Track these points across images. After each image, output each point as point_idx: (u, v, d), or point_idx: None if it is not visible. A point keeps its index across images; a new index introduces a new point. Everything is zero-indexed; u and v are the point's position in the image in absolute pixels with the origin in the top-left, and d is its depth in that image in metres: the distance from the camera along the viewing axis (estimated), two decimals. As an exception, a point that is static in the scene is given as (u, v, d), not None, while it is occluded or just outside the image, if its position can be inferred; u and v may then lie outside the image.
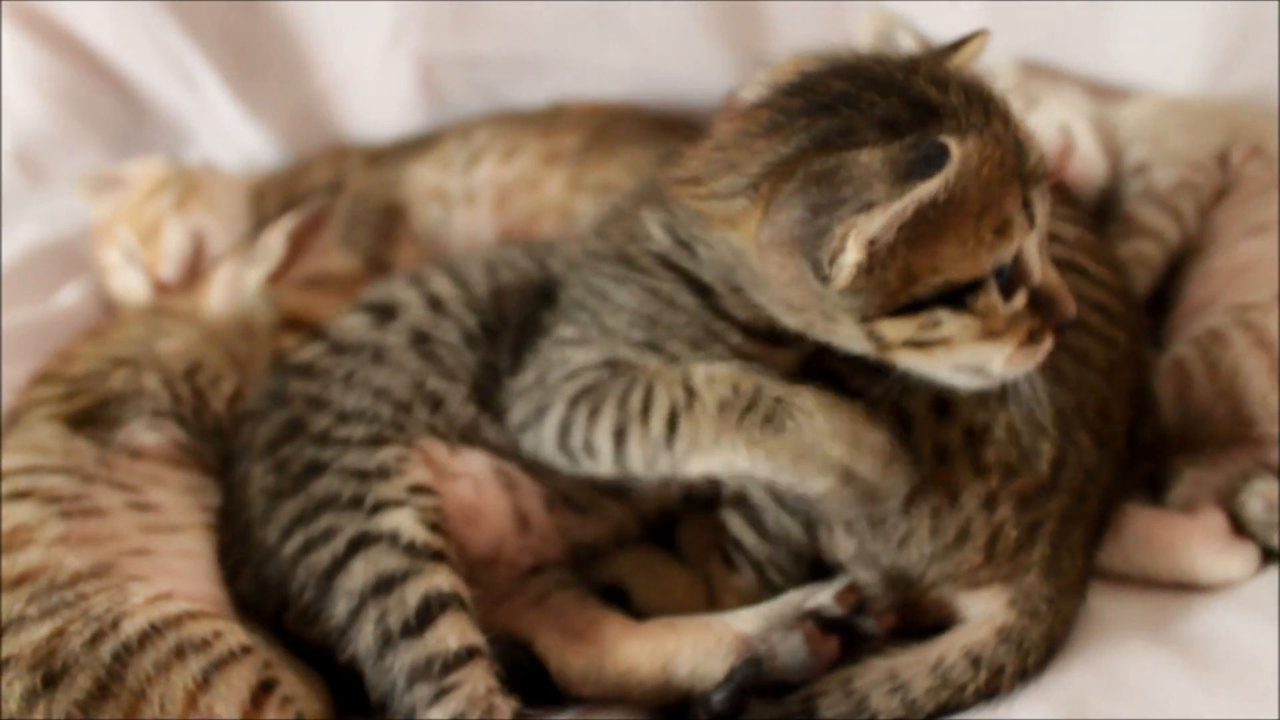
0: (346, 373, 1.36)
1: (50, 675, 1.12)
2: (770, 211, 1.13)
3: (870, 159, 1.08)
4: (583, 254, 1.34)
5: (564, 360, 1.29)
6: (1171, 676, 1.24)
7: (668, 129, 1.88)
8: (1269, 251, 1.59)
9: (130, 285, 1.88)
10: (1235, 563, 1.38)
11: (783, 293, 1.18)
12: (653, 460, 1.23)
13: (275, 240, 1.69)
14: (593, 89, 2.01)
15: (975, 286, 1.13)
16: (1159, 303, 1.68)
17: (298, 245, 1.71)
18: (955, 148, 1.05)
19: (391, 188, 1.95)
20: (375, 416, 1.33)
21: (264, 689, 1.17)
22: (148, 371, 1.51)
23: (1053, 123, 1.79)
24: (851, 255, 1.09)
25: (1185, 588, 1.38)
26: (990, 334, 1.15)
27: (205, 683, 1.14)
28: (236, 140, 2.15)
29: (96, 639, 1.15)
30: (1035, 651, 1.26)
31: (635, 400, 1.23)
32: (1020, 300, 1.16)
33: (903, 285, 1.12)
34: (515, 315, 1.37)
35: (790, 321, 1.20)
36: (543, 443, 1.30)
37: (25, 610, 1.17)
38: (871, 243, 1.08)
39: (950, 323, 1.14)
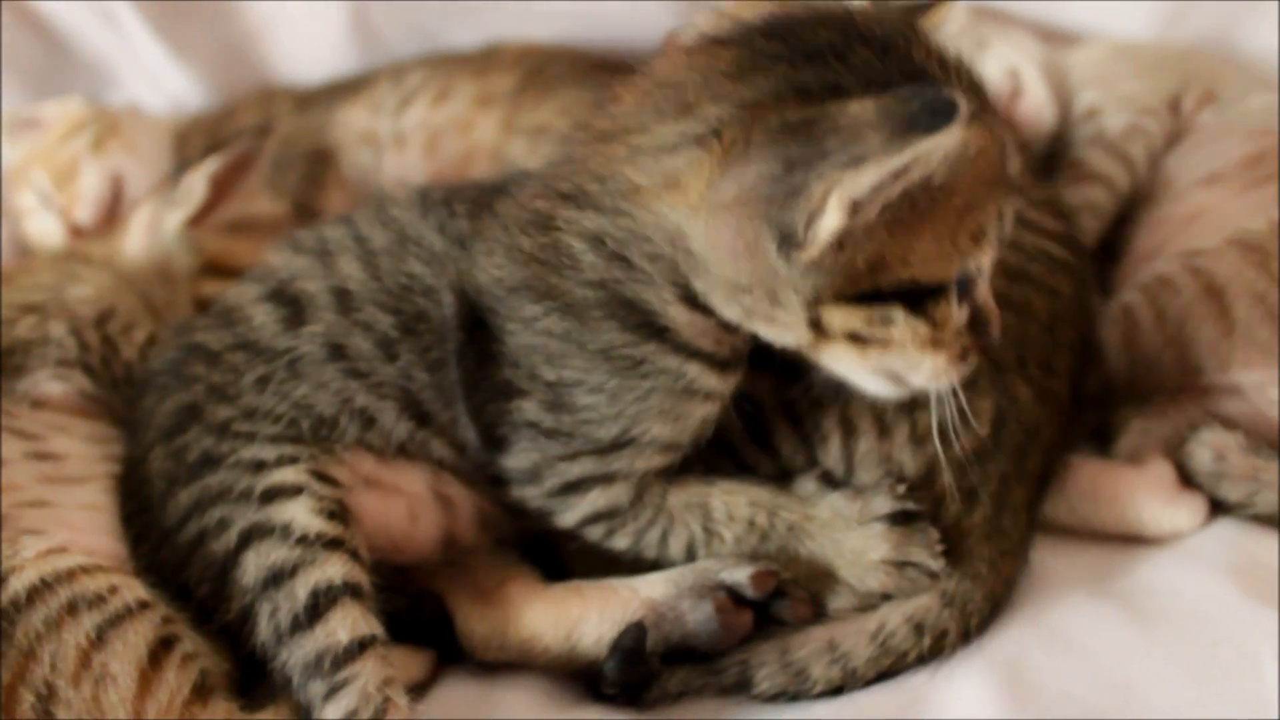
0: (259, 377, 1.26)
1: (-67, 633, 1.07)
2: (733, 164, 1.01)
3: (861, 109, 0.96)
4: (503, 289, 1.18)
5: (551, 466, 1.20)
6: (1114, 630, 1.22)
7: (605, 71, 1.81)
8: (1220, 202, 1.55)
9: (45, 230, 1.82)
10: (1183, 514, 1.36)
11: (728, 269, 1.06)
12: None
13: (197, 182, 1.64)
14: (529, 30, 1.96)
15: (936, 292, 1.06)
16: (1108, 251, 1.64)
17: (221, 188, 1.66)
18: (964, 106, 0.94)
19: (321, 131, 1.91)
20: (292, 422, 1.24)
21: (163, 645, 1.11)
22: (55, 319, 1.46)
23: (1002, 66, 1.77)
24: (830, 220, 0.97)
25: (1131, 540, 1.36)
26: (934, 343, 1.07)
27: (99, 640, 1.09)
28: (162, 82, 2.09)
29: (-16, 594, 1.09)
30: (978, 614, 1.23)
31: (653, 535, 1.22)
32: (964, 315, 1.09)
33: (868, 271, 1.02)
34: (438, 325, 1.24)
35: (729, 310, 1.09)
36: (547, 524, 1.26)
37: (-91, 564, 1.12)
38: (854, 207, 0.97)
39: (902, 324, 1.05)
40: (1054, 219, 1.39)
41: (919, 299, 1.05)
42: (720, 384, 1.17)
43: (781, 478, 1.25)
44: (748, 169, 1.00)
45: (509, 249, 1.19)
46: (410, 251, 1.27)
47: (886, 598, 1.21)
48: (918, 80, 1.01)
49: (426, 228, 1.28)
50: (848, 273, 1.02)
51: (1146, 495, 1.36)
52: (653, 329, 1.13)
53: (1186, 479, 1.39)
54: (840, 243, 0.99)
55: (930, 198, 1.00)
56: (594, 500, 1.20)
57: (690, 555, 1.23)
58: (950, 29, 1.74)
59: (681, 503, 1.21)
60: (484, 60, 1.90)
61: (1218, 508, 1.38)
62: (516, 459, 1.22)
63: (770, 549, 1.21)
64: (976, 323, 1.11)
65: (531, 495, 1.23)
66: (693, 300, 1.11)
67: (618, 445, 1.17)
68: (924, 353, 1.08)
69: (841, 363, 1.10)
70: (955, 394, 1.13)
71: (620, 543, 1.23)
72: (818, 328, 1.06)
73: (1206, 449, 1.37)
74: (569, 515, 1.22)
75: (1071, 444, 1.38)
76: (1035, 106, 1.74)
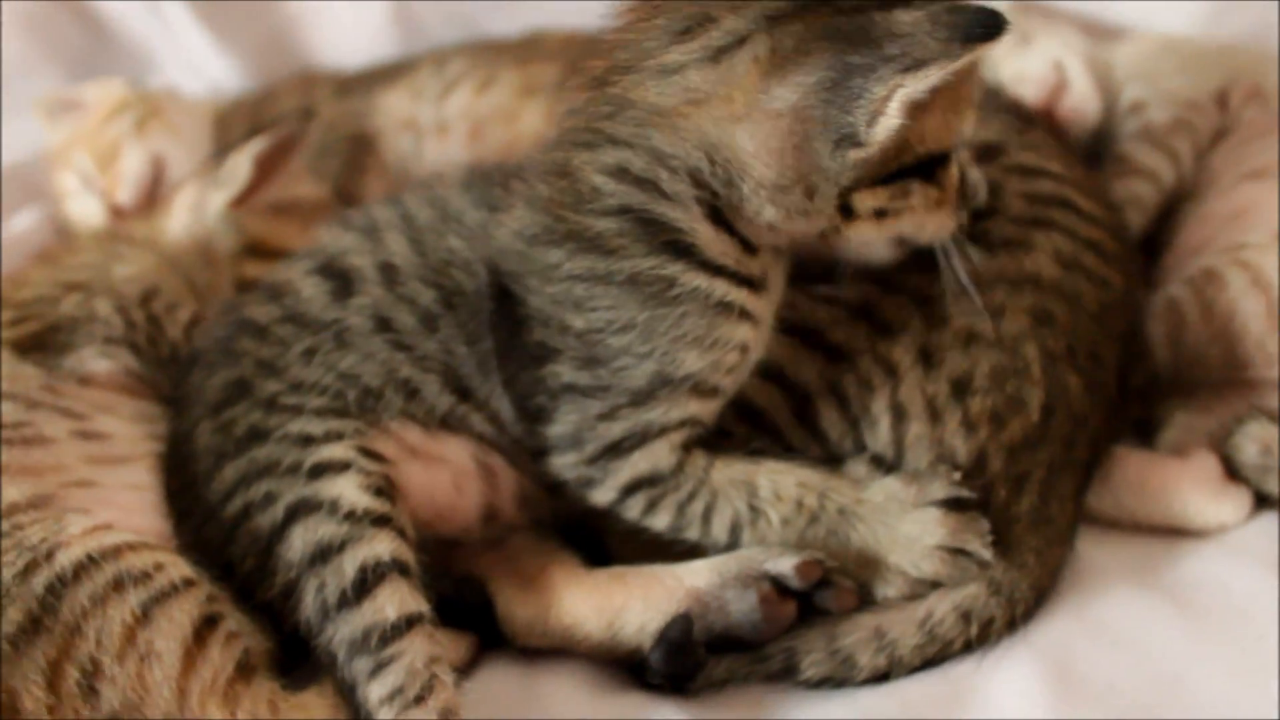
0: (306, 348, 1.27)
1: (-20, 608, 1.07)
2: (789, 71, 1.07)
3: (914, 18, 1.04)
4: (524, 241, 1.21)
5: (591, 428, 1.20)
6: (1160, 623, 1.21)
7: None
8: (1267, 196, 1.54)
9: (87, 211, 1.81)
10: (1227, 507, 1.35)
11: (772, 171, 1.10)
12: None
13: (242, 163, 1.64)
14: (570, 18, 1.93)
15: (944, 159, 1.14)
16: (1149, 245, 1.63)
17: (265, 170, 1.66)
18: (1011, 15, 1.04)
19: (361, 117, 1.89)
20: (338, 394, 1.25)
21: (207, 624, 1.11)
22: (101, 297, 1.46)
23: (1047, 59, 1.75)
24: (891, 119, 1.05)
25: (1176, 533, 1.35)
26: (941, 204, 1.16)
27: (144, 616, 1.08)
28: (202, 67, 2.09)
29: (29, 570, 1.09)
30: (1024, 602, 1.23)
31: (696, 507, 1.21)
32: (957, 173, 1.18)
33: (896, 154, 1.09)
34: (474, 298, 1.25)
35: (767, 211, 1.12)
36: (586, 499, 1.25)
37: (-44, 542, 1.12)
38: (913, 107, 1.04)
39: (918, 193, 1.14)
40: (1105, 210, 1.39)
41: (930, 168, 1.13)
42: (753, 302, 1.18)
43: (829, 462, 1.24)
44: (806, 75, 1.06)
45: (528, 199, 1.22)
46: (450, 227, 1.28)
47: (935, 585, 1.21)
48: None
49: (466, 203, 1.30)
50: (882, 159, 1.09)
51: (1192, 488, 1.35)
52: (679, 248, 1.15)
53: (1231, 472, 1.38)
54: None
55: (949, 85, 1.06)
56: (635, 464, 1.20)
57: (734, 536, 1.21)
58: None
59: (726, 478, 1.21)
60: (526, 49, 1.90)
61: (1262, 501, 1.37)
62: (557, 426, 1.22)
63: (819, 533, 1.20)
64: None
65: (572, 462, 1.22)
66: (718, 215, 1.15)
67: (653, 389, 1.17)
68: (932, 213, 1.16)
69: (862, 238, 1.17)
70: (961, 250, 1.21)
71: (661, 519, 1.22)
72: (847, 211, 1.12)
73: (1252, 443, 1.37)
74: (610, 483, 1.21)
75: (1117, 435, 1.37)
76: (1080, 100, 1.71)
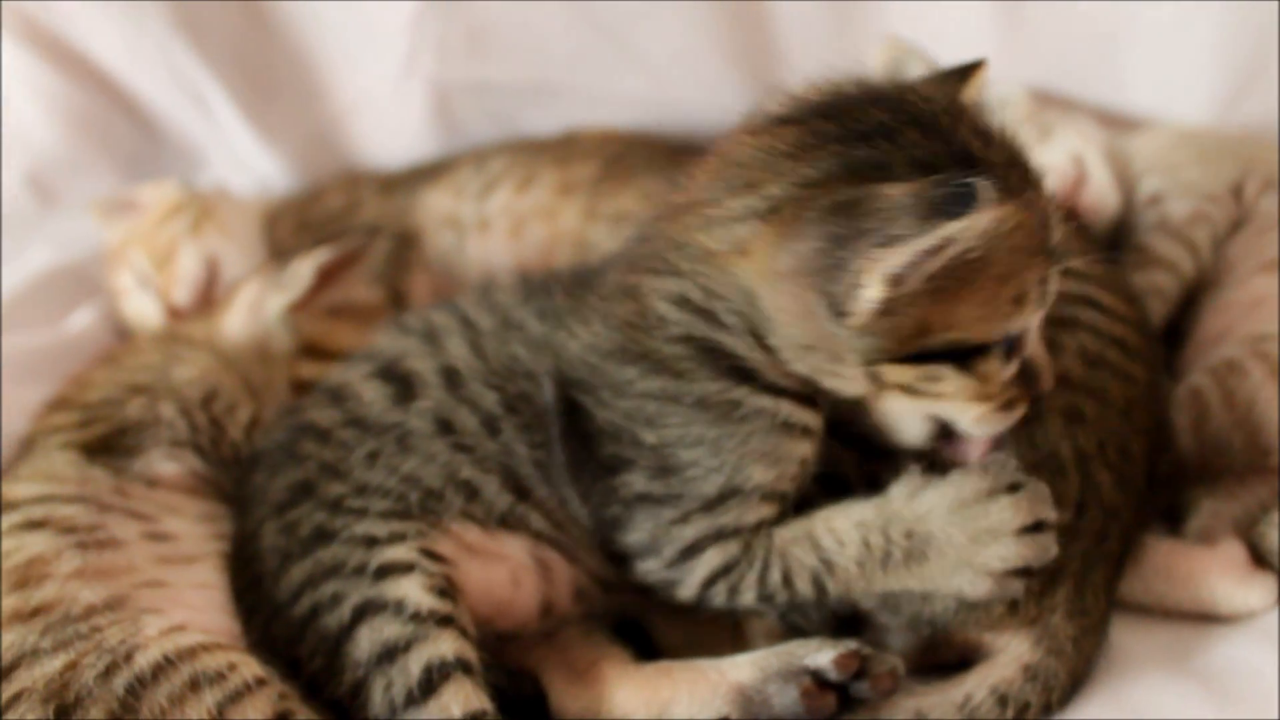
0: (370, 452, 1.32)
1: (63, 708, 1.11)
2: (788, 238, 1.10)
3: (899, 193, 1.05)
4: (598, 356, 1.26)
5: (666, 534, 1.24)
6: (1193, 709, 1.23)
7: (682, 157, 1.86)
8: (1284, 288, 1.58)
9: (143, 310, 1.87)
10: (1255, 594, 1.37)
11: (793, 330, 1.15)
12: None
13: (305, 269, 1.69)
14: (606, 116, 2.01)
15: (982, 350, 1.13)
16: (1173, 334, 1.67)
17: (327, 278, 1.71)
18: (988, 191, 1.01)
19: (404, 214, 1.95)
20: (401, 496, 1.29)
21: (280, 721, 1.16)
22: (165, 400, 1.51)
23: (1066, 152, 1.79)
24: (871, 291, 1.05)
25: (1206, 619, 1.37)
26: (981, 396, 1.15)
27: (220, 716, 1.12)
28: (249, 165, 2.15)
29: (110, 671, 1.13)
30: (1060, 689, 1.25)
31: (774, 577, 1.23)
32: (1012, 369, 1.16)
33: (916, 335, 1.10)
34: (539, 408, 1.30)
35: (798, 365, 1.17)
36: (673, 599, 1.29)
37: (39, 643, 1.16)
38: (894, 281, 1.05)
39: (950, 380, 1.14)
40: (1127, 304, 1.43)
41: (965, 357, 1.13)
42: (812, 419, 1.22)
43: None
44: (800, 243, 1.09)
45: (604, 316, 1.26)
46: (513, 335, 1.33)
47: (1026, 571, 1.20)
48: (961, 157, 1.09)
49: (528, 313, 1.35)
50: (897, 336, 1.10)
51: (1220, 575, 1.38)
52: (742, 373, 1.20)
53: (1258, 559, 1.40)
54: (885, 311, 1.07)
55: (969, 268, 1.06)
56: (710, 560, 1.24)
57: (821, 592, 1.22)
58: (1015, 115, 1.80)
59: (789, 538, 1.23)
60: (564, 148, 1.95)
61: (1289, 588, 1.39)
62: (634, 534, 1.26)
63: (897, 567, 1.20)
64: (1027, 374, 1.18)
65: (654, 568, 1.26)
66: (770, 349, 1.17)
67: (724, 498, 1.22)
68: (970, 402, 1.15)
69: (896, 408, 1.17)
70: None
71: (747, 598, 1.24)
72: (876, 380, 1.14)
73: (1277, 530, 1.39)
74: (690, 581, 1.25)
75: (1146, 524, 1.41)
76: (1099, 193, 1.76)
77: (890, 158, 1.09)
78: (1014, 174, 1.12)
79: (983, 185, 1.02)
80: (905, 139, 1.10)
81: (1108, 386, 1.32)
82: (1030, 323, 1.15)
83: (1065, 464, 1.27)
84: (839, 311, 1.09)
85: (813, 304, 1.10)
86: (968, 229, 1.02)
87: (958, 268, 1.05)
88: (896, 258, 1.03)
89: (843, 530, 1.21)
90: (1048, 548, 1.19)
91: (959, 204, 1.01)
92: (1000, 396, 1.16)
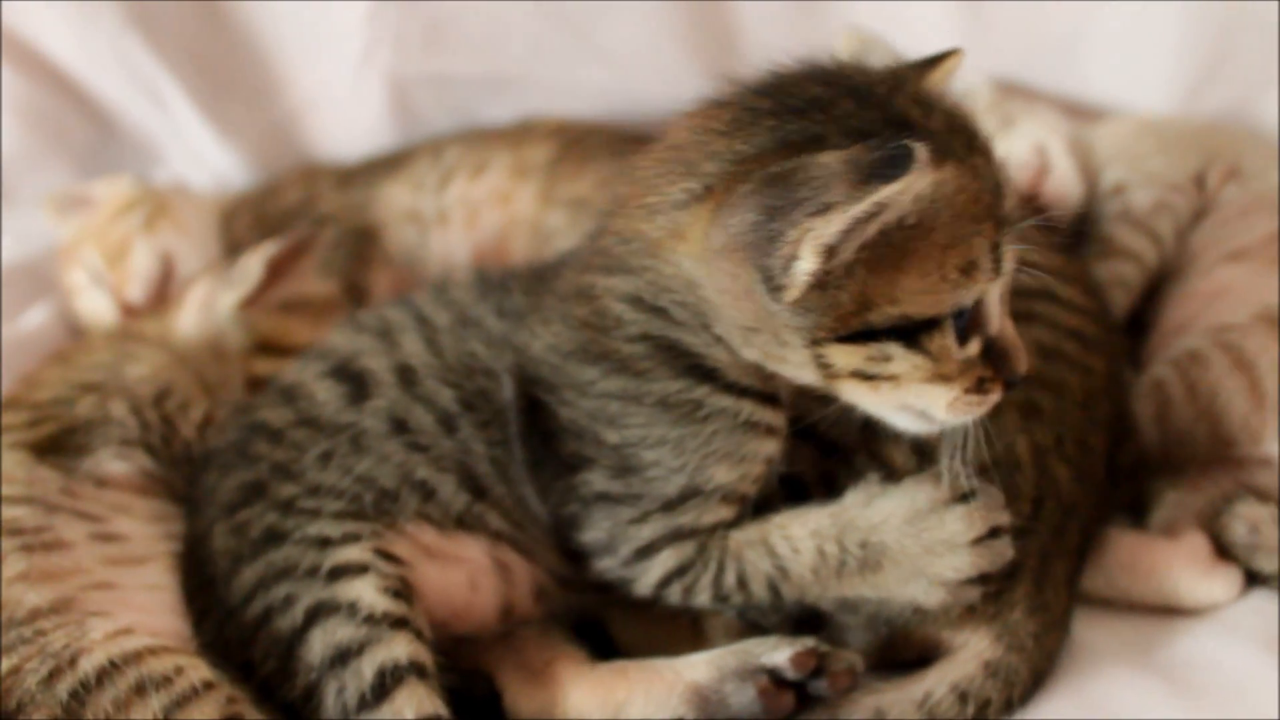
0: (323, 452, 1.30)
1: (5, 715, 1.10)
2: (721, 214, 1.07)
3: (831, 160, 1.01)
4: (559, 356, 1.24)
5: (625, 534, 1.23)
6: (1156, 703, 1.23)
7: (640, 143, 1.84)
8: (1246, 277, 1.58)
9: (96, 307, 1.84)
10: (1218, 586, 1.37)
11: (734, 311, 1.11)
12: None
13: (254, 264, 1.68)
14: (565, 107, 1.99)
15: (931, 325, 1.08)
16: (1136, 324, 1.67)
17: (277, 272, 1.69)
18: (922, 153, 0.98)
19: (364, 209, 1.93)
20: (355, 497, 1.27)
21: (228, 726, 1.14)
22: (115, 398, 1.49)
23: (1029, 142, 1.79)
24: (805, 263, 1.02)
25: (1169, 612, 1.37)
26: (940, 377, 1.10)
27: (167, 720, 1.11)
28: (206, 160, 2.12)
29: (53, 676, 1.12)
30: (1021, 685, 1.25)
31: (729, 579, 1.22)
32: (974, 348, 1.11)
33: (857, 310, 1.06)
34: (499, 406, 1.28)
35: (747, 352, 1.14)
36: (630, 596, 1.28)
37: (-20, 648, 1.14)
38: (829, 251, 1.01)
39: (900, 359, 1.08)
40: (1085, 295, 1.42)
41: (913, 334, 1.08)
42: (776, 418, 1.21)
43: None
44: (733, 218, 1.06)
45: (564, 316, 1.25)
46: (471, 332, 1.32)
47: (985, 579, 1.19)
48: (898, 124, 1.06)
49: (485, 310, 1.33)
50: (836, 312, 1.06)
51: (1183, 567, 1.38)
52: (702, 372, 1.18)
53: (1222, 551, 1.40)
54: (821, 283, 1.04)
55: (908, 236, 1.04)
56: (665, 561, 1.23)
57: (776, 595, 1.22)
58: (978, 106, 1.78)
59: (743, 541, 1.22)
60: (519, 134, 1.93)
61: (1253, 579, 1.39)
62: (591, 533, 1.25)
63: (853, 576, 1.20)
64: (996, 355, 1.13)
65: (610, 566, 1.26)
66: (719, 339, 1.15)
67: (684, 498, 1.20)
68: (934, 385, 1.10)
69: (860, 399, 1.14)
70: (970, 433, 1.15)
71: (702, 598, 1.24)
72: (825, 366, 1.09)
73: (1241, 521, 1.39)
74: (645, 580, 1.24)
75: (1107, 517, 1.40)
76: (1062, 183, 1.76)
77: (825, 129, 1.06)
78: (956, 140, 1.09)
79: (917, 147, 0.98)
80: (840, 109, 1.08)
81: (1065, 379, 1.31)
82: (987, 294, 1.10)
83: (1021, 460, 1.26)
84: (775, 286, 1.05)
85: (750, 281, 1.07)
86: (901, 192, 0.99)
87: (896, 235, 1.03)
88: (829, 226, 1.00)
89: (798, 538, 1.20)
90: (1002, 553, 1.19)
91: (892, 167, 0.98)
92: (964, 378, 1.11)
